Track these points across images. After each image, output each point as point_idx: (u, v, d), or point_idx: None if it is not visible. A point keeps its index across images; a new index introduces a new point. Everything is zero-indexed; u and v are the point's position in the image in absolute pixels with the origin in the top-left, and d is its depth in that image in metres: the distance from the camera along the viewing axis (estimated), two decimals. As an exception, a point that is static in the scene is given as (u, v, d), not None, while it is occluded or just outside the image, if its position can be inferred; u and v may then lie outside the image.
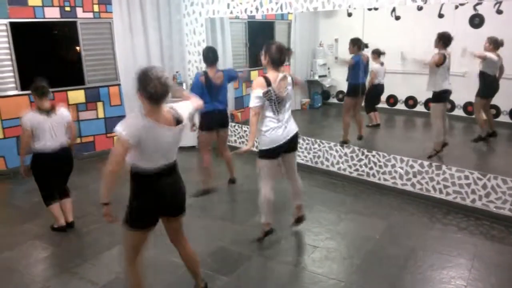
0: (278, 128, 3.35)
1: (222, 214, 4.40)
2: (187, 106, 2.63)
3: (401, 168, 4.66)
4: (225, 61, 7.15)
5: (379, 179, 4.88)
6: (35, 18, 5.56)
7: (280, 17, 7.94)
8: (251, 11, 5.65)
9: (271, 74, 3.31)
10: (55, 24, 5.94)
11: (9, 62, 5.44)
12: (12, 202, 4.87)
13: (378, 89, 6.70)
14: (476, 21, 6.36)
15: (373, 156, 4.89)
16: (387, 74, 6.77)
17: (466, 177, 4.18)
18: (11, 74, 5.48)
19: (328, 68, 8.42)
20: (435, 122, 5.18)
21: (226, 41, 7.11)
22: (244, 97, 7.67)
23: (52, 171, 3.90)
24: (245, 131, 6.33)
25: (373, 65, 6.40)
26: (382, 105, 7.44)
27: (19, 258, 3.59)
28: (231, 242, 3.70)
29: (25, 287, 3.16)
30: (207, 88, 4.41)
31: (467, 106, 6.83)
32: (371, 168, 4.94)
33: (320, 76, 8.34)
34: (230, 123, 6.56)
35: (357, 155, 5.05)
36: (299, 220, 3.89)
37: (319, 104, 8.68)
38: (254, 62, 7.72)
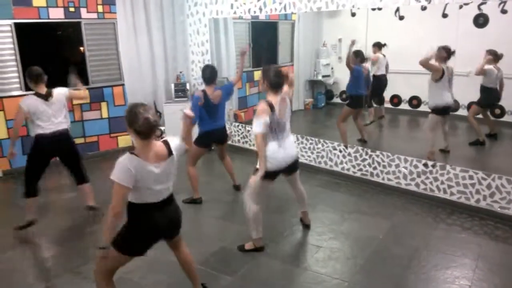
0: (279, 151, 3.35)
1: (224, 214, 4.41)
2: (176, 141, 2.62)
3: (405, 168, 4.64)
4: (229, 62, 7.17)
5: (383, 179, 4.87)
6: (40, 18, 5.59)
7: (283, 17, 7.94)
8: (254, 12, 5.65)
9: (272, 98, 3.32)
10: (59, 24, 5.96)
11: (14, 63, 5.47)
12: (16, 202, 4.87)
13: (381, 80, 6.68)
14: (481, 20, 6.33)
15: (377, 156, 4.88)
16: (390, 74, 6.76)
17: (471, 177, 4.16)
18: (16, 74, 5.51)
19: (332, 68, 8.41)
20: (428, 133, 5.17)
21: (230, 41, 7.12)
22: (248, 97, 7.67)
23: (51, 156, 3.94)
24: (248, 130, 6.33)
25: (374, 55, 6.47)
26: (386, 104, 7.44)
27: (22, 258, 3.61)
28: (234, 242, 3.69)
29: (28, 287, 3.17)
30: (206, 108, 4.40)
31: (471, 106, 6.79)
32: (375, 168, 4.92)
33: (323, 76, 8.33)
34: (233, 123, 6.60)
35: (360, 155, 5.03)
36: (305, 227, 3.96)
37: (323, 104, 8.67)
38: (257, 62, 7.72)
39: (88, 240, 3.84)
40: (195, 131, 4.36)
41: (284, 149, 3.38)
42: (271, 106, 3.26)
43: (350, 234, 3.86)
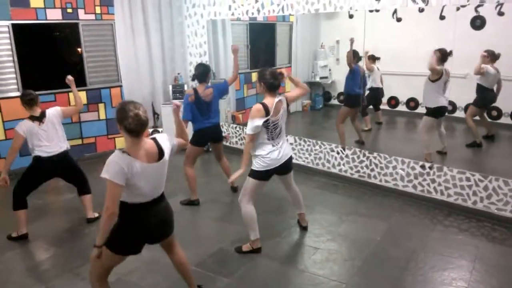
0: (273, 151, 3.38)
1: (221, 215, 4.41)
2: (168, 139, 2.59)
3: (403, 169, 4.66)
4: (227, 63, 7.17)
5: (381, 180, 4.88)
6: (37, 19, 5.57)
7: (281, 19, 7.95)
8: (252, 13, 5.66)
9: (268, 100, 3.33)
10: (57, 25, 5.95)
11: (11, 64, 5.46)
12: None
13: (378, 92, 6.73)
14: (478, 23, 6.35)
15: (375, 157, 4.89)
16: (388, 75, 6.78)
17: (468, 179, 4.17)
18: (13, 75, 5.49)
19: (330, 70, 8.43)
20: (423, 135, 5.18)
21: (228, 42, 7.13)
22: (245, 99, 7.68)
23: (50, 177, 3.98)
24: (246, 132, 6.32)
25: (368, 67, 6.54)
26: (383, 106, 7.45)
27: (21, 259, 3.60)
28: (232, 244, 3.70)
29: (26, 288, 3.16)
30: (197, 106, 4.39)
31: (468, 108, 6.82)
32: (372, 170, 4.93)
33: (321, 78, 8.34)
34: (231, 125, 6.60)
35: (358, 157, 5.04)
36: (303, 229, 3.97)
37: (320, 106, 8.68)
38: (255, 64, 7.73)
39: (87, 241, 3.83)
40: (190, 131, 4.37)
41: (279, 149, 3.40)
42: (266, 108, 3.27)
43: (348, 236, 3.87)
